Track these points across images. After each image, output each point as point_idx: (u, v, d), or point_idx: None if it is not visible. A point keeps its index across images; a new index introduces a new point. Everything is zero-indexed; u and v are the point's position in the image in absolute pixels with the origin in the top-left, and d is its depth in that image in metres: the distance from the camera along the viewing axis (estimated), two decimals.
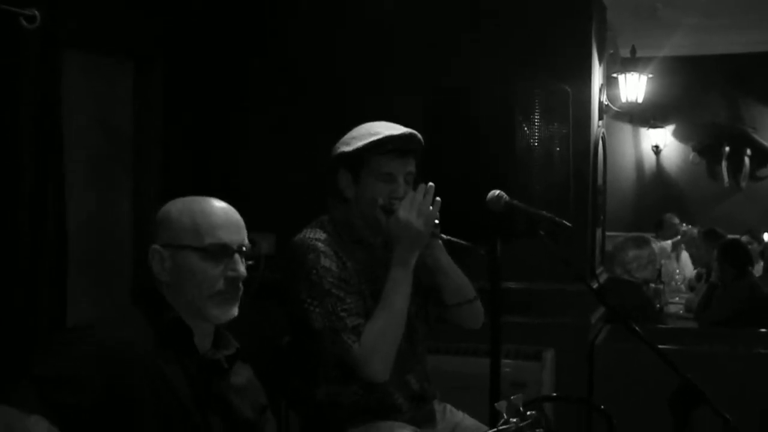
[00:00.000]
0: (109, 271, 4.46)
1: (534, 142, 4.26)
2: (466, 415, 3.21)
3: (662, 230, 8.82)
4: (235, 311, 2.36)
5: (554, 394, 4.52)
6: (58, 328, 3.76)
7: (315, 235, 2.96)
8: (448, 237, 2.97)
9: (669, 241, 8.38)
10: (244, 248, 2.36)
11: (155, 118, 4.64)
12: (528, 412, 2.51)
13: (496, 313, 3.30)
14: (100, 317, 2.34)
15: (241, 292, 2.35)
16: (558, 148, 4.20)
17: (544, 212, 2.98)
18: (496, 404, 2.53)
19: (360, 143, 2.94)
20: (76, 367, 2.12)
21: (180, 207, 2.33)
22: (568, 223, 2.97)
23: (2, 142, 3.60)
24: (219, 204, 2.38)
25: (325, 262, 2.89)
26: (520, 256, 3.98)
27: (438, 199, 2.90)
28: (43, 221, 3.75)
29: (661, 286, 7.06)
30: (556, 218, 2.95)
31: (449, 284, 3.10)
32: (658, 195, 9.95)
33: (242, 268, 2.34)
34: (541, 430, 2.51)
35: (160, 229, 2.32)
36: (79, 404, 2.09)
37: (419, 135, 2.98)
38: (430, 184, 2.89)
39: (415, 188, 2.93)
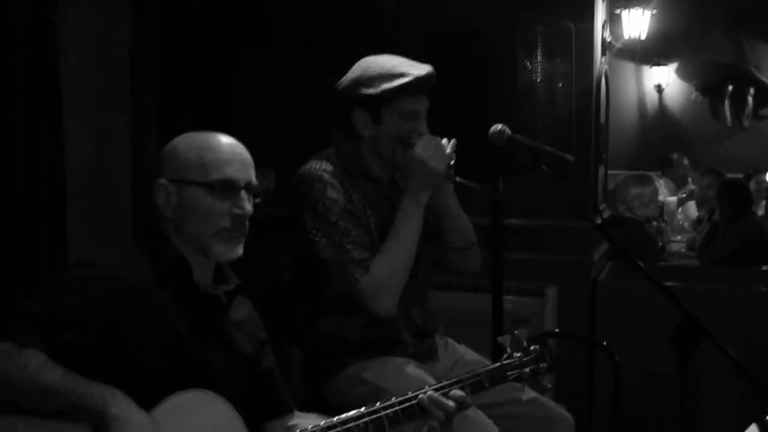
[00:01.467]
0: (109, 212, 4.44)
1: (536, 79, 4.23)
2: (469, 350, 3.22)
3: (671, 169, 8.77)
4: (240, 250, 2.34)
5: (556, 331, 4.52)
6: (58, 267, 3.75)
7: (321, 167, 2.95)
8: (461, 179, 2.94)
9: (674, 198, 8.30)
10: (251, 185, 2.34)
11: (152, 57, 4.59)
12: (532, 347, 2.52)
13: (498, 250, 3.30)
14: (99, 256, 2.32)
15: (247, 231, 2.34)
16: (561, 85, 4.17)
17: (546, 146, 2.96)
18: (499, 338, 2.54)
19: (386, 85, 2.89)
20: (75, 305, 2.11)
21: (187, 141, 2.31)
22: (570, 158, 2.94)
23: None
24: (227, 140, 2.35)
25: (332, 193, 2.88)
26: (522, 192, 3.96)
27: (454, 140, 2.90)
28: (40, 162, 3.73)
29: (663, 225, 7.05)
30: (559, 152, 2.93)
31: (453, 227, 3.10)
32: (661, 134, 9.91)
33: (249, 206, 2.33)
34: (545, 364, 2.52)
35: (166, 163, 2.30)
36: (77, 342, 2.09)
37: (434, 71, 2.95)
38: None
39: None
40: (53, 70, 3.80)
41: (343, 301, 2.92)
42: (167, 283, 2.26)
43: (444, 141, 2.90)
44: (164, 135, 4.47)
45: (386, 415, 2.30)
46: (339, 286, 2.88)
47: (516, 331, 2.54)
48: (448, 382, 2.39)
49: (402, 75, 2.88)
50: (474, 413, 2.70)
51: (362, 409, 2.28)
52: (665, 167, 8.81)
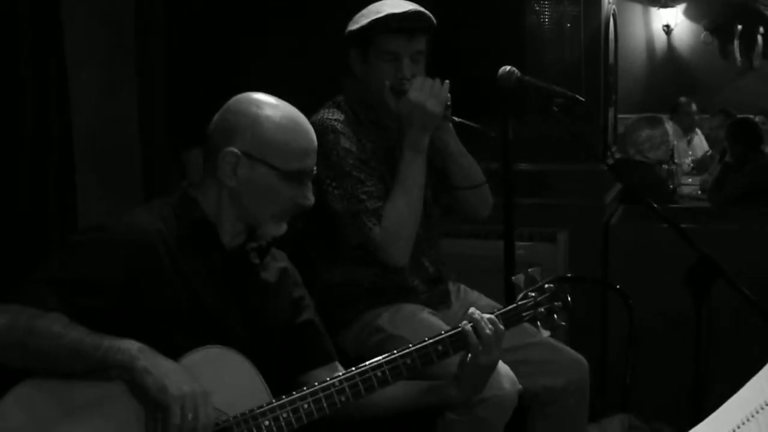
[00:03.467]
0: (118, 169, 4.41)
1: (544, 20, 4.17)
2: (482, 295, 3.21)
3: (677, 115, 8.69)
4: (286, 226, 2.32)
5: (569, 275, 4.49)
6: (69, 229, 3.73)
7: (333, 116, 2.92)
8: (459, 119, 2.91)
9: (688, 160, 8.18)
10: (313, 172, 2.32)
11: (157, 8, 4.52)
12: (546, 285, 2.50)
13: (509, 195, 3.25)
14: (120, 216, 2.28)
15: None
16: (569, 25, 4.11)
17: (556, 87, 2.91)
18: (513, 277, 2.52)
19: (365, 21, 2.87)
20: (96, 269, 2.10)
21: (271, 116, 2.24)
22: (581, 98, 2.89)
23: (2, 41, 3.50)
24: (308, 125, 2.31)
25: (345, 143, 2.86)
26: (532, 136, 3.92)
27: (447, 81, 2.84)
28: (48, 121, 3.68)
29: (674, 167, 6.99)
30: (570, 93, 2.88)
31: (457, 168, 3.05)
32: (670, 76, 9.82)
33: (312, 198, 2.31)
34: (560, 303, 2.50)
35: (242, 132, 2.23)
36: (98, 306, 2.08)
37: (428, 13, 2.90)
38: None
39: (428, 74, 2.87)
40: (57, 24, 3.74)
41: (355, 250, 2.91)
42: (191, 244, 2.23)
43: (437, 81, 2.84)
44: (171, 88, 4.49)
45: (435, 349, 2.31)
46: (352, 237, 2.87)
47: (530, 269, 2.51)
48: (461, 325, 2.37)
49: (379, 12, 2.86)
50: None
51: (409, 345, 2.30)
52: (672, 112, 8.72)
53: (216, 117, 2.29)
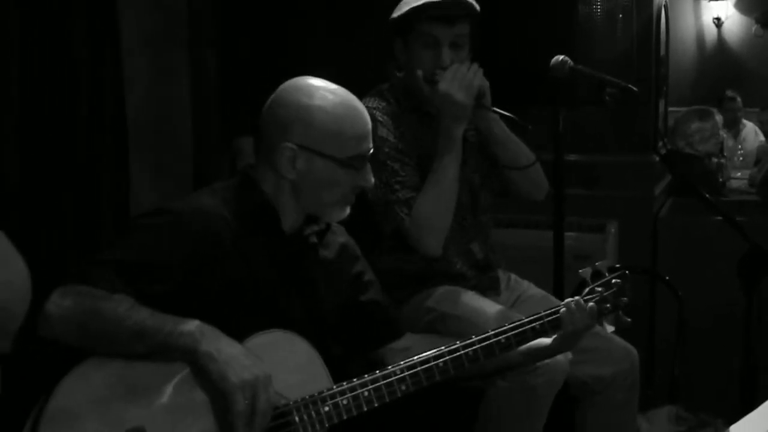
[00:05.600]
0: (170, 156, 4.45)
1: (596, 11, 4.16)
2: (532, 285, 3.21)
3: (722, 109, 8.57)
4: (348, 210, 2.34)
5: (617, 266, 4.48)
6: (122, 211, 3.78)
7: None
8: (496, 109, 2.89)
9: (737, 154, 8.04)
10: (370, 152, 2.33)
11: None
12: (613, 281, 2.48)
13: (559, 185, 3.25)
14: (183, 199, 2.31)
15: None
16: (621, 15, 4.10)
17: (608, 77, 2.91)
18: (580, 270, 2.50)
19: (406, 8, 2.88)
20: (158, 253, 2.12)
21: (323, 106, 2.24)
22: (634, 88, 2.88)
23: (57, 27, 3.55)
24: (361, 108, 2.31)
25: (382, 131, 2.86)
26: (582, 127, 3.91)
27: (479, 69, 2.83)
28: (102, 104, 3.72)
29: (724, 161, 6.92)
30: (622, 82, 2.87)
31: (503, 151, 3.04)
32: (720, 70, 9.69)
33: (372, 178, 2.32)
34: (626, 299, 2.48)
35: (297, 125, 2.24)
36: (161, 290, 2.10)
37: (471, 2, 2.89)
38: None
39: (473, 61, 2.87)
40: (112, 9, 3.79)
41: (397, 238, 2.92)
42: (252, 227, 2.25)
43: (470, 71, 2.82)
44: (223, 74, 4.52)
45: (532, 328, 2.34)
46: (386, 225, 2.90)
47: (597, 263, 2.50)
48: (528, 318, 2.38)
49: (423, 2, 2.84)
50: None
51: (504, 325, 2.32)
52: (718, 105, 8.59)
53: (266, 108, 2.30)
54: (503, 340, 2.31)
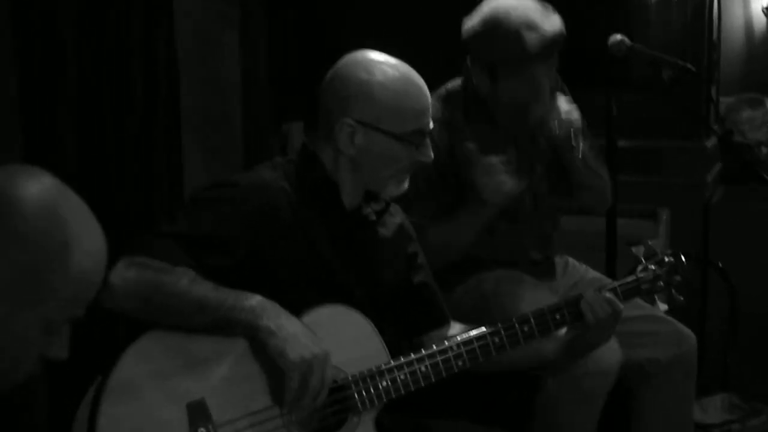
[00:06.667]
0: (219, 137, 4.47)
1: None
2: (589, 269, 3.17)
3: None
4: (407, 184, 2.32)
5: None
6: (175, 189, 3.80)
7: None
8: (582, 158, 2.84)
9: None
10: (430, 127, 2.30)
11: None
12: (666, 259, 2.46)
13: (612, 171, 3.23)
14: (244, 173, 2.32)
15: None
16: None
17: (667, 56, 2.88)
18: (633, 248, 2.48)
19: (502, 48, 2.75)
20: (222, 227, 2.12)
21: (383, 82, 2.21)
22: (692, 68, 2.86)
23: (114, 7, 3.58)
24: (420, 83, 2.27)
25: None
26: (634, 113, 3.87)
27: (575, 109, 2.78)
28: (156, 85, 3.74)
29: None
30: (680, 62, 2.84)
31: (580, 177, 2.96)
32: None
33: (431, 153, 2.29)
34: (679, 277, 2.46)
35: (355, 101, 2.21)
36: (223, 264, 2.10)
37: (563, 30, 2.77)
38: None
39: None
40: None
41: None
42: (312, 202, 2.25)
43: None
44: (274, 58, 4.52)
45: (553, 317, 2.32)
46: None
47: (650, 241, 2.48)
48: (582, 294, 2.35)
49: (524, 46, 2.70)
50: None
51: (528, 313, 2.31)
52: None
53: (327, 81, 2.28)
54: (526, 329, 2.29)
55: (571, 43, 2.82)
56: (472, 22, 2.81)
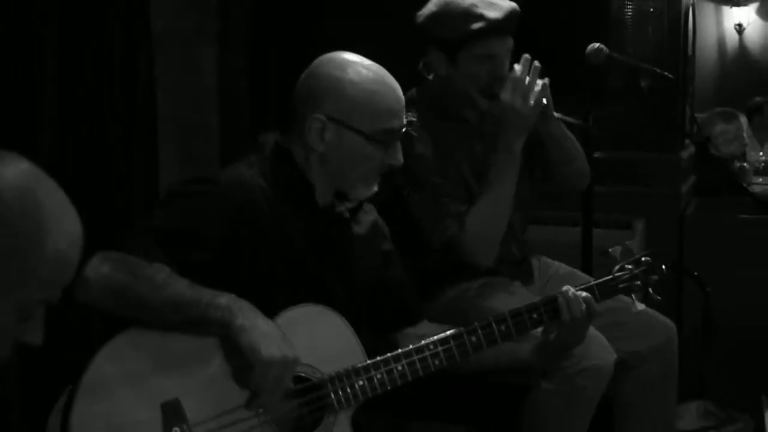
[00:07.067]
0: (197, 149, 4.46)
1: (628, 7, 4.16)
2: (561, 264, 3.16)
3: (761, 117, 8.37)
4: (376, 187, 2.32)
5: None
6: (152, 197, 3.79)
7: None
8: (560, 115, 2.85)
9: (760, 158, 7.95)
10: (402, 130, 2.31)
11: None
12: (643, 258, 2.48)
13: (589, 182, 3.23)
14: (221, 169, 2.33)
15: None
16: (651, 10, 4.10)
17: (645, 65, 2.90)
18: (610, 249, 2.51)
19: (459, 28, 2.76)
20: (199, 221, 2.12)
21: (355, 80, 2.22)
22: (670, 75, 2.88)
23: (94, 22, 3.57)
24: (394, 84, 2.28)
25: (419, 147, 2.78)
26: (610, 125, 3.90)
27: (546, 79, 2.76)
28: (134, 98, 3.74)
29: (746, 165, 6.88)
30: (658, 70, 2.86)
31: (557, 148, 2.96)
32: (742, 76, 9.65)
33: (401, 157, 2.30)
34: (657, 277, 2.48)
35: (327, 96, 2.22)
36: (198, 259, 2.10)
37: (518, 8, 2.80)
38: (536, 63, 2.73)
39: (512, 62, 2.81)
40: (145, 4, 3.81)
41: (438, 253, 2.85)
42: (287, 199, 2.25)
43: (531, 81, 2.74)
44: (252, 71, 4.52)
45: (530, 316, 2.34)
46: (435, 241, 2.81)
47: (627, 242, 2.50)
48: (558, 293, 2.37)
49: (480, 17, 2.73)
50: None
51: (504, 313, 2.32)
52: (752, 115, 8.40)
53: (301, 79, 2.29)
54: (503, 328, 2.31)
55: (548, 56, 2.83)
56: (426, 8, 2.85)
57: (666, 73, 2.87)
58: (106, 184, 3.58)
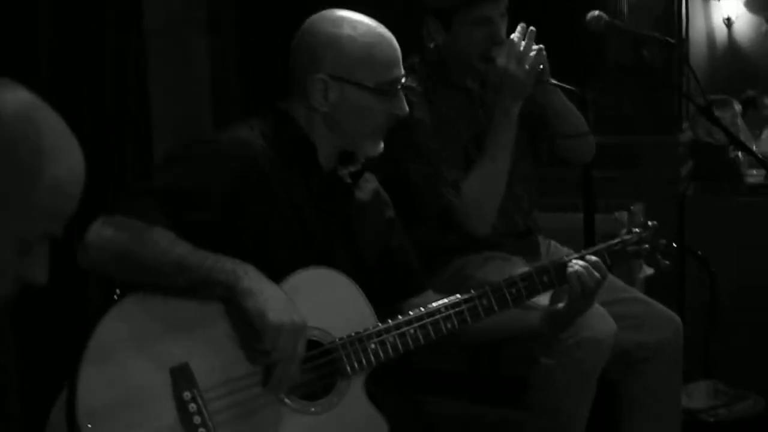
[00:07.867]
0: (190, 129, 4.42)
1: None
2: (572, 251, 3.12)
3: (755, 110, 8.38)
4: (383, 144, 2.28)
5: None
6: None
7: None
8: (556, 82, 2.82)
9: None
10: (402, 80, 2.27)
11: None
12: (650, 223, 2.44)
13: (588, 167, 3.20)
14: (222, 130, 2.27)
15: None
16: None
17: (646, 32, 2.87)
18: (616, 213, 2.47)
19: None
20: (201, 181, 2.07)
21: (352, 35, 2.19)
22: (672, 40, 2.84)
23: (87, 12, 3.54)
24: (389, 35, 2.25)
25: (418, 113, 2.75)
26: (608, 108, 3.88)
27: (541, 46, 2.74)
28: (126, 93, 3.70)
29: (741, 155, 6.86)
30: (660, 36, 2.83)
31: (560, 121, 2.93)
32: (731, 70, 9.65)
33: (406, 107, 2.27)
34: (664, 240, 2.44)
35: (327, 55, 2.18)
36: (201, 220, 2.05)
37: None
38: (531, 28, 2.72)
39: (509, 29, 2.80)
40: None
41: (435, 219, 2.84)
42: (290, 162, 2.20)
43: (527, 46, 2.72)
44: (244, 60, 4.49)
45: (540, 279, 2.32)
46: (432, 207, 2.80)
47: (632, 207, 2.47)
48: (568, 258, 2.34)
49: None
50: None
51: (515, 276, 2.29)
52: (746, 108, 8.39)
53: (296, 41, 2.25)
54: (514, 291, 2.29)
55: (546, 40, 2.81)
56: None
57: (669, 39, 2.83)
58: (98, 174, 3.52)
